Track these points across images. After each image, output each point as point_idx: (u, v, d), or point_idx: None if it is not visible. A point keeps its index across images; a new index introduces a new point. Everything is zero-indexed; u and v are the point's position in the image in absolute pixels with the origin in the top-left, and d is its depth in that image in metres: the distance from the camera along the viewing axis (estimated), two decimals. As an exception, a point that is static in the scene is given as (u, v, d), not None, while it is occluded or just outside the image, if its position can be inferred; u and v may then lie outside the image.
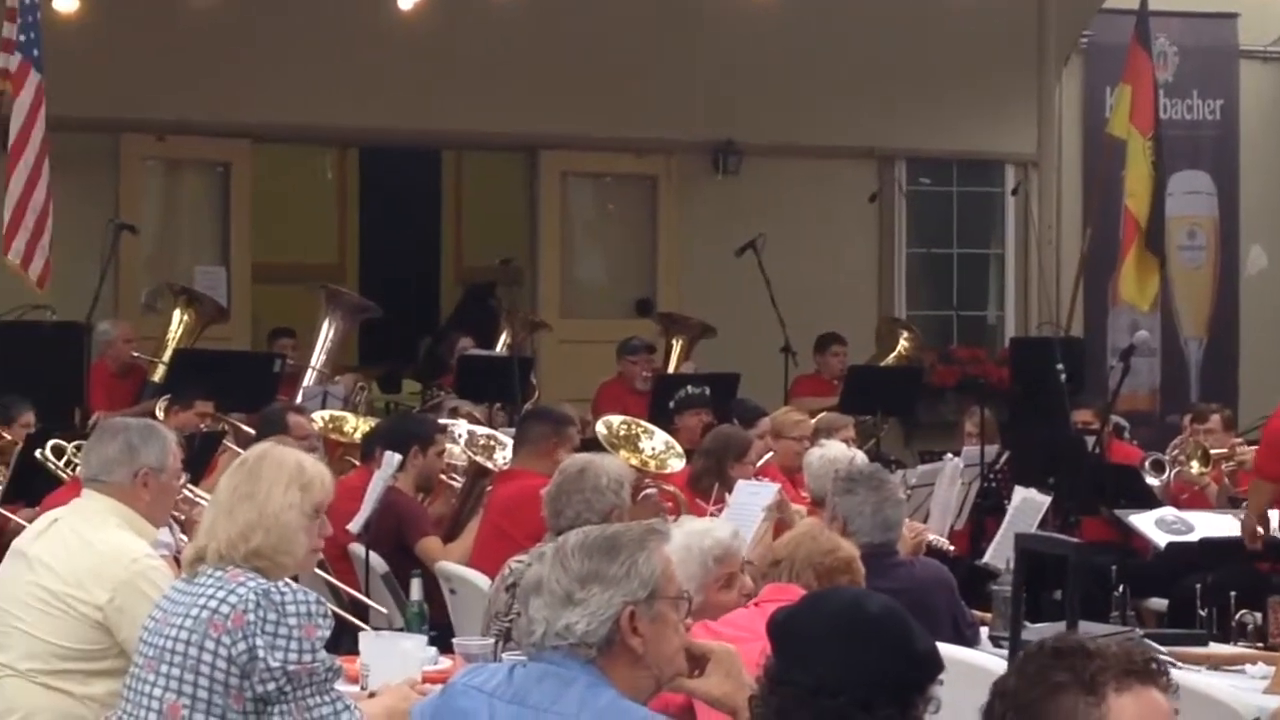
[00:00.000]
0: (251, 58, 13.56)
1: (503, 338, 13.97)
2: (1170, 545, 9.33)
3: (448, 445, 9.01)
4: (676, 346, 14.08)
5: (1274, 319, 16.07)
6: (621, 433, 9.36)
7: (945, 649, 3.65)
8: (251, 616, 4.39)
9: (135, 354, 12.42)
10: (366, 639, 5.65)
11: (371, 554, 7.68)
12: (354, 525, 7.55)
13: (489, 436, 9.33)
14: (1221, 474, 10.54)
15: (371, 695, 5.06)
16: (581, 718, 3.57)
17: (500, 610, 6.04)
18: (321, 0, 13.66)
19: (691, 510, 8.12)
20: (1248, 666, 6.44)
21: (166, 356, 12.33)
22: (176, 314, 12.86)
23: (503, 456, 8.89)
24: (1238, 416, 12.22)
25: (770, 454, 9.44)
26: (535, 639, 3.69)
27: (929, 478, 9.57)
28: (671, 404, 10.88)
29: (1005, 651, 5.84)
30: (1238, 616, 6.98)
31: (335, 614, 4.79)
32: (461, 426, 9.63)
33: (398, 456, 7.82)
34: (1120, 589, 7.33)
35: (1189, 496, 10.48)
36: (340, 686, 4.55)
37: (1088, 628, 5.75)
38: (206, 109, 13.53)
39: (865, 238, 15.58)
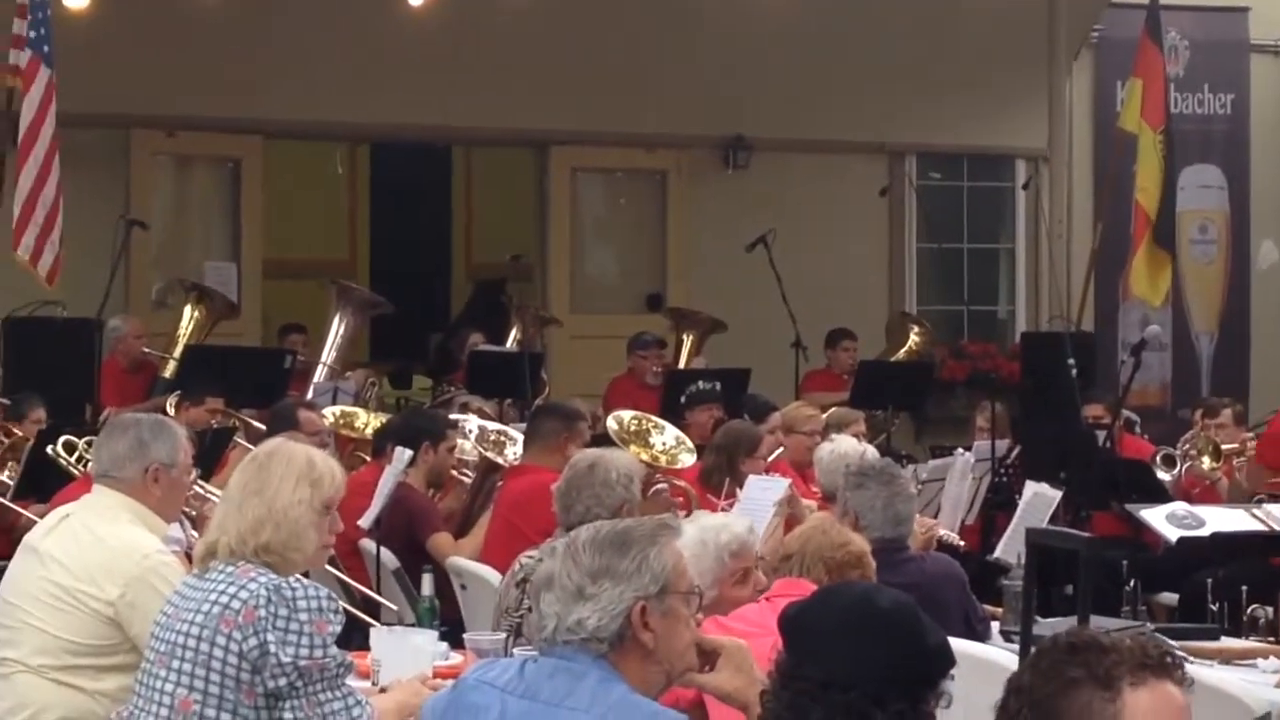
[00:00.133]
0: (262, 54, 13.57)
1: (513, 333, 13.98)
2: (1181, 540, 9.30)
3: (458, 441, 9.01)
4: (687, 342, 14.09)
5: (1286, 314, 16.08)
6: (632, 428, 9.36)
7: (956, 644, 3.64)
8: (263, 612, 4.39)
9: (146, 350, 12.43)
10: (378, 634, 5.64)
11: (382, 549, 7.68)
12: (365, 521, 7.54)
13: (499, 432, 9.34)
14: (1233, 469, 10.54)
15: (383, 690, 5.07)
16: (593, 712, 3.56)
17: (511, 605, 6.04)
18: (332, -4, 13.69)
19: (702, 505, 8.13)
20: (1259, 661, 6.45)
21: (177, 352, 12.33)
22: (187, 310, 12.88)
23: (513, 452, 8.90)
24: (1249, 411, 12.20)
25: (781, 449, 9.44)
26: (546, 634, 3.68)
27: (940, 473, 9.57)
28: (682, 399, 10.88)
29: (1016, 646, 5.85)
30: (1249, 611, 6.96)
31: (346, 610, 4.78)
32: (472, 422, 9.63)
33: (409, 452, 7.81)
34: (1131, 584, 7.31)
35: (1200, 491, 10.47)
36: (352, 682, 4.55)
37: (1099, 623, 5.75)
38: (217, 105, 13.53)
39: (876, 233, 15.57)
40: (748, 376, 12.14)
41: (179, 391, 10.57)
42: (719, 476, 8.67)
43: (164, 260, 14.03)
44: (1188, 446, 10.74)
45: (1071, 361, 11.16)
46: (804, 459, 9.24)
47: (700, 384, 11.05)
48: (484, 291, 17.47)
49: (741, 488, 8.07)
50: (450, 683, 4.14)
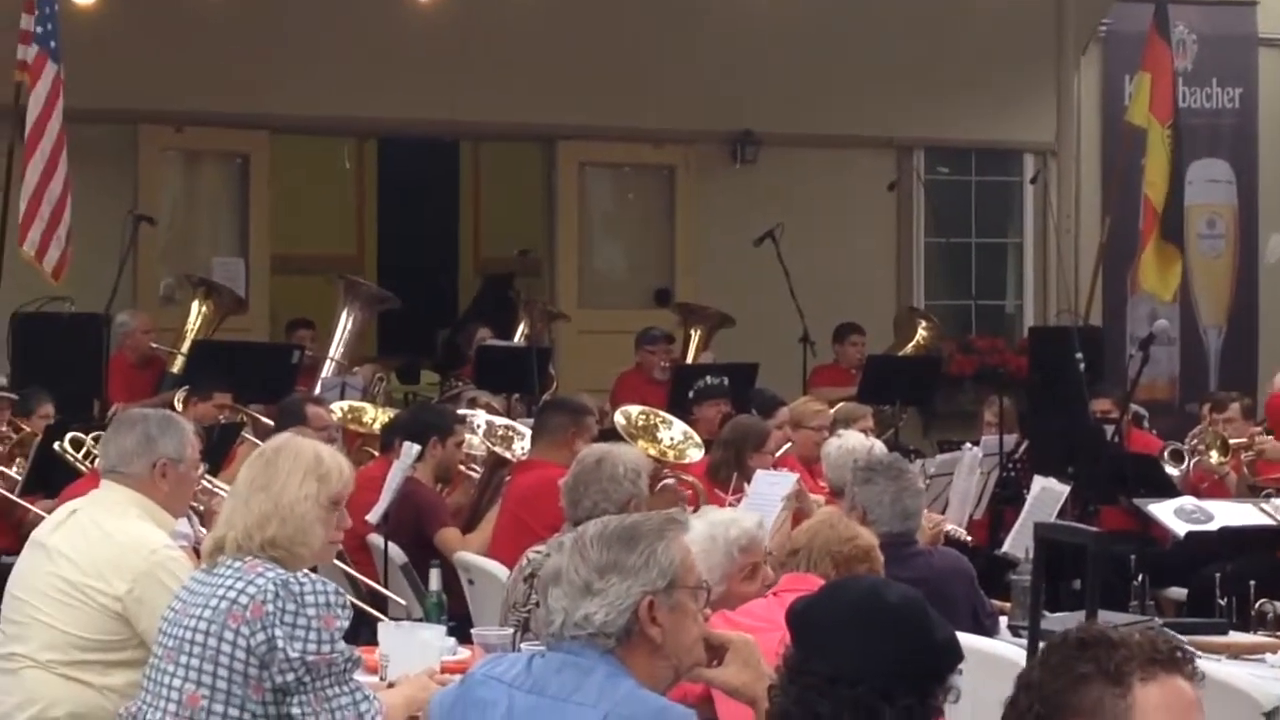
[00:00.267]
0: (270, 49, 13.57)
1: (521, 328, 13.97)
2: (1190, 534, 9.30)
3: (466, 436, 9.01)
4: (695, 336, 14.08)
5: (1294, 308, 16.06)
6: (640, 423, 9.36)
7: (964, 638, 3.64)
8: (270, 607, 4.39)
9: (154, 345, 12.43)
10: (385, 629, 5.65)
11: (390, 544, 7.68)
12: (372, 516, 7.54)
13: (507, 427, 9.34)
14: (1241, 463, 10.53)
15: (390, 685, 5.07)
16: (600, 707, 3.56)
17: (518, 600, 6.04)
18: (339, -9, 13.70)
19: (710, 500, 8.12)
20: (1268, 655, 6.43)
21: (185, 348, 12.34)
22: (195, 305, 12.89)
23: (521, 447, 8.90)
24: (1257, 405, 12.20)
25: (789, 444, 9.44)
26: (554, 629, 3.68)
27: (948, 467, 9.57)
28: (690, 394, 10.88)
29: (1024, 641, 5.83)
30: (1257, 605, 6.95)
31: (354, 604, 4.78)
32: (480, 417, 9.63)
33: (416, 447, 7.81)
34: (1139, 578, 7.30)
35: (1208, 485, 10.46)
36: (359, 677, 4.55)
37: (1107, 617, 5.74)
38: (225, 100, 13.53)
39: (883, 227, 15.56)
40: (755, 371, 12.13)
41: (187, 387, 10.57)
42: (727, 471, 8.66)
43: (172, 256, 14.04)
44: (1196, 441, 10.72)
45: (1079, 356, 11.17)
46: (812, 454, 9.24)
47: (708, 379, 11.05)
48: (492, 286, 17.48)
49: (749, 483, 8.06)
50: (458, 678, 4.13)
